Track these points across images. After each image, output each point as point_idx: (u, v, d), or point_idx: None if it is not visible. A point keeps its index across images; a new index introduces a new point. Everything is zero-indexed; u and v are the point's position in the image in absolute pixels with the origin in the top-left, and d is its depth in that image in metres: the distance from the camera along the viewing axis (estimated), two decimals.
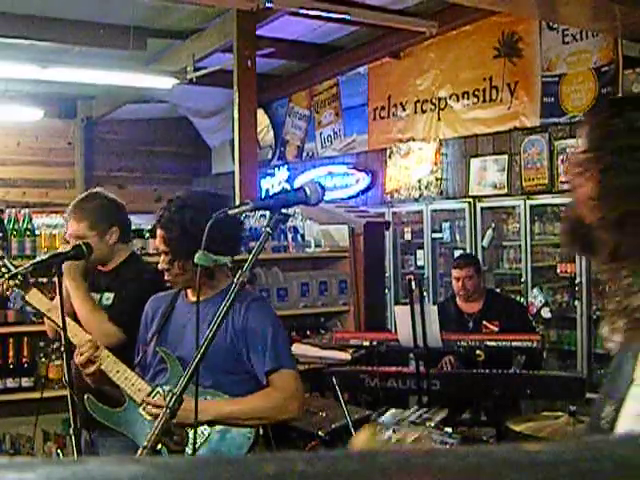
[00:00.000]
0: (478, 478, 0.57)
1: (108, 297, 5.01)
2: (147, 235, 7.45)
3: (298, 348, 4.51)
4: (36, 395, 6.18)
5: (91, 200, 5.15)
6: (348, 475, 0.58)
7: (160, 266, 4.23)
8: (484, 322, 7.34)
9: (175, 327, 4.28)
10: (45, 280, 5.42)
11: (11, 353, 6.58)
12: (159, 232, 4.19)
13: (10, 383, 6.65)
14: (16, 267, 4.75)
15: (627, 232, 2.04)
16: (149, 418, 4.01)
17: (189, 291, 4.32)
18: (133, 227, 7.47)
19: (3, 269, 4.76)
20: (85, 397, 4.24)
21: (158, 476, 0.58)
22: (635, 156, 2.10)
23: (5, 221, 6.78)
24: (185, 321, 4.19)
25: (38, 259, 4.72)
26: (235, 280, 3.34)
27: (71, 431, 4.15)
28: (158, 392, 4.09)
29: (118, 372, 4.18)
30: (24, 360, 6.62)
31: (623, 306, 2.02)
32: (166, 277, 4.26)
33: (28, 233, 6.78)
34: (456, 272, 7.71)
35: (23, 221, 6.82)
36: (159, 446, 3.66)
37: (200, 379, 3.63)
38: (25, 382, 6.68)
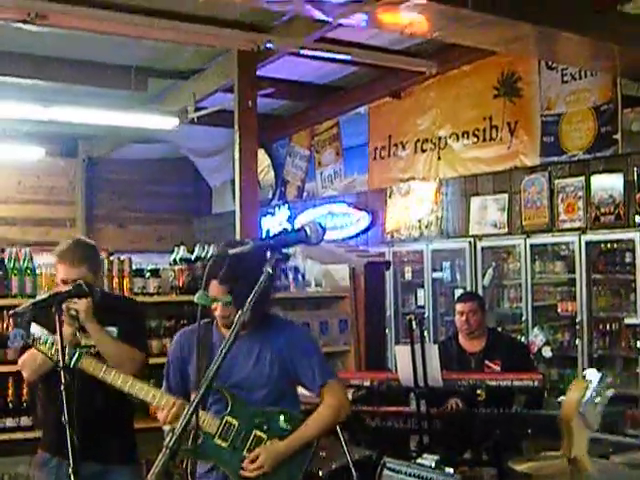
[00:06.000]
0: None
1: (112, 330, 5.09)
2: (148, 275, 7.47)
3: (299, 388, 4.54)
4: (35, 434, 6.15)
5: (83, 246, 5.28)
6: None
7: (219, 314, 4.39)
8: (486, 362, 7.31)
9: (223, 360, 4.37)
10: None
11: (10, 392, 6.56)
12: (220, 287, 4.26)
13: (9, 422, 6.64)
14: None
15: None
16: (224, 445, 4.31)
17: (223, 328, 4.49)
18: (134, 267, 7.54)
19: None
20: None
21: None
22: None
23: (6, 260, 6.80)
24: (232, 353, 4.27)
25: (39, 298, 4.73)
26: (236, 319, 3.36)
27: (70, 470, 4.15)
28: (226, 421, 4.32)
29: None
30: (23, 399, 6.60)
31: None
32: (221, 322, 4.46)
33: (28, 272, 6.80)
34: (460, 306, 7.66)
35: (23, 260, 6.84)
36: None
37: (249, 397, 4.34)
38: (24, 421, 6.66)
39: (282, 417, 4.36)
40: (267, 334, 4.31)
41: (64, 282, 4.98)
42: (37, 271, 6.86)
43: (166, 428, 4.20)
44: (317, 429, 4.41)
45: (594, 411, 3.91)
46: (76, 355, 4.62)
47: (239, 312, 3.38)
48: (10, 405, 6.63)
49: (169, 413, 4.31)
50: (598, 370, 9.43)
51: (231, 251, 3.70)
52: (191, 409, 3.38)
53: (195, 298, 3.56)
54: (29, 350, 4.96)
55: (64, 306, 4.72)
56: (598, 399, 3.93)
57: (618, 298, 10.29)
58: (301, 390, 4.68)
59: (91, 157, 16.39)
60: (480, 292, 11.22)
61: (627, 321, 9.93)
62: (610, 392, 4.05)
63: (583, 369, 10.22)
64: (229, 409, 4.29)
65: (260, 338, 4.24)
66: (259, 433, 4.29)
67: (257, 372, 4.31)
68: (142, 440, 5.41)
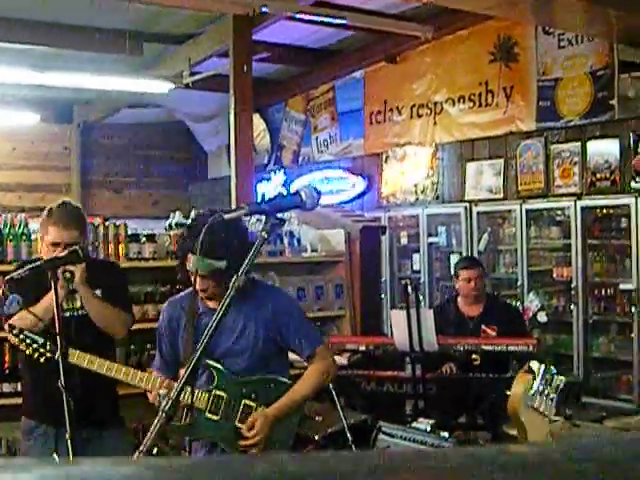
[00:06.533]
0: (463, 478, 0.57)
1: (97, 293, 5.14)
2: (143, 240, 7.46)
3: (294, 353, 4.57)
4: (17, 400, 6.17)
5: (75, 209, 5.29)
6: (337, 475, 0.59)
7: (199, 287, 4.36)
8: (483, 326, 7.33)
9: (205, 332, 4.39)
10: None
11: (7, 358, 6.58)
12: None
13: (6, 388, 6.67)
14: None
15: None
16: (215, 418, 4.36)
17: (208, 301, 4.51)
18: (130, 232, 7.53)
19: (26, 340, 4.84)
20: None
21: (150, 477, 0.59)
22: None
23: (1, 226, 6.80)
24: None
25: (35, 263, 4.74)
26: (231, 284, 3.37)
27: (67, 435, 4.17)
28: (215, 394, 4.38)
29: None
30: (5, 367, 6.62)
31: None
32: (202, 295, 4.45)
33: (24, 238, 6.80)
34: (467, 273, 7.64)
35: (19, 226, 6.83)
36: (154, 450, 3.68)
37: (235, 365, 4.34)
38: (6, 387, 6.68)
39: (269, 384, 4.41)
40: (252, 302, 4.30)
41: (54, 245, 4.98)
42: (32, 237, 6.86)
43: (162, 392, 4.21)
44: (305, 393, 4.47)
45: (546, 401, 3.94)
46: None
47: (234, 278, 3.39)
48: (7, 371, 6.66)
49: (157, 392, 4.31)
50: (593, 333, 9.49)
51: (226, 216, 3.70)
52: (182, 382, 3.44)
53: (191, 264, 3.56)
54: (19, 313, 4.97)
55: (60, 269, 4.76)
56: (548, 389, 3.96)
57: (613, 264, 10.31)
58: (292, 355, 4.72)
59: (86, 122, 16.35)
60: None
61: (622, 286, 9.95)
62: (560, 381, 4.07)
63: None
64: (216, 382, 4.34)
65: (245, 307, 4.23)
66: (248, 402, 4.34)
67: (243, 341, 4.34)
68: (123, 406, 5.49)
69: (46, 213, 5.17)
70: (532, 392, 3.81)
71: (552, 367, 4.18)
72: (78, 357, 4.63)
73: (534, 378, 3.90)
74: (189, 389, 4.35)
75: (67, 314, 5.11)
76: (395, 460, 0.62)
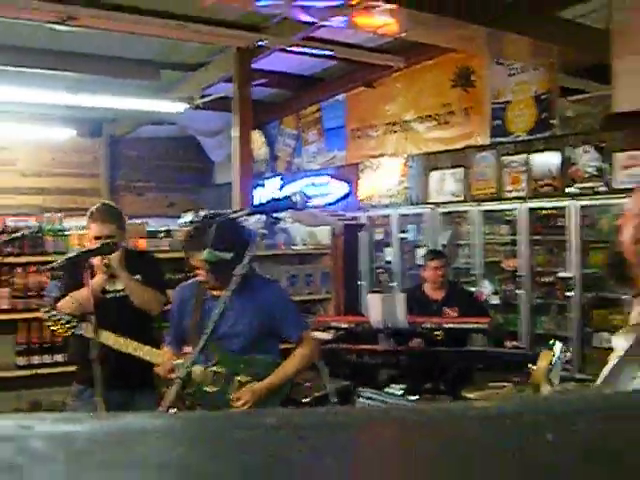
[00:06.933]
0: (434, 428, 0.58)
1: (137, 277, 5.20)
2: (161, 235, 7.47)
3: (284, 337, 4.61)
4: (66, 369, 6.18)
5: (112, 208, 5.40)
6: (332, 425, 0.60)
7: (202, 279, 4.43)
8: (445, 308, 7.34)
9: (211, 318, 4.39)
10: None
11: (46, 334, 6.58)
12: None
13: (46, 359, 6.68)
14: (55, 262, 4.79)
15: None
16: (213, 390, 4.34)
17: (211, 290, 4.49)
18: (149, 229, 7.53)
19: (54, 317, 4.88)
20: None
21: (182, 426, 0.60)
22: None
23: (43, 224, 6.82)
24: (218, 309, 4.31)
25: (71, 254, 4.75)
26: (236, 272, 3.39)
27: (95, 398, 4.21)
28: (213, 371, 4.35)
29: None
30: (58, 339, 6.62)
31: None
32: (206, 286, 4.48)
33: (61, 233, 6.82)
34: (435, 262, 7.66)
35: (57, 223, 6.84)
36: (173, 410, 3.70)
37: (231, 346, 4.31)
38: (57, 358, 6.70)
39: (261, 363, 4.40)
40: (249, 291, 4.26)
41: (96, 238, 5.04)
42: (67, 233, 6.89)
43: (178, 362, 4.23)
44: (290, 372, 4.45)
45: (557, 373, 3.98)
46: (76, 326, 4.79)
47: (239, 266, 3.40)
48: (46, 345, 6.68)
49: (166, 366, 4.39)
50: (537, 314, 9.49)
51: (232, 216, 3.72)
52: (196, 354, 3.47)
53: (203, 255, 3.57)
54: (64, 299, 5.00)
55: (98, 258, 4.85)
56: (560, 365, 4.01)
57: (553, 256, 10.33)
58: None
59: (113, 137, 16.36)
60: None
61: (560, 274, 9.98)
62: (566, 356, 4.12)
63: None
64: (216, 360, 4.32)
65: (243, 295, 4.13)
66: (242, 377, 4.33)
67: (240, 325, 4.32)
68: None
69: (89, 213, 5.25)
70: (552, 367, 3.84)
71: (565, 347, 4.23)
72: (106, 337, 4.67)
73: (553, 355, 3.93)
74: (196, 367, 4.39)
75: (109, 295, 5.15)
76: (375, 413, 0.63)
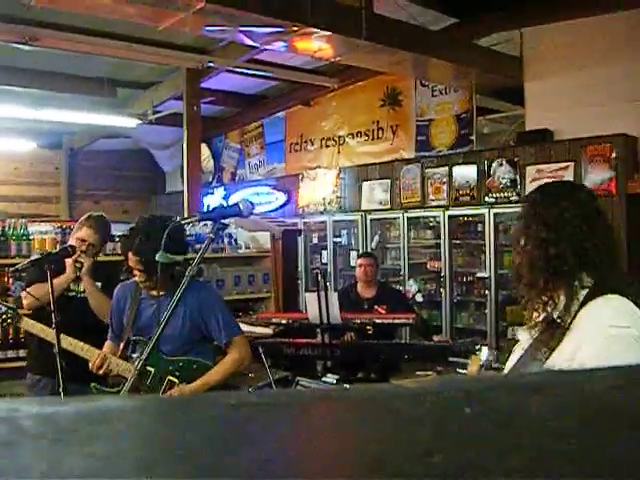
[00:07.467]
0: (372, 404, 0.63)
1: (98, 285, 5.17)
2: (117, 239, 7.42)
3: (215, 340, 4.55)
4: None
5: (105, 221, 5.41)
6: (285, 403, 0.64)
7: (138, 279, 4.28)
8: (375, 306, 7.39)
9: (145, 317, 4.33)
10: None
11: (11, 331, 6.51)
12: (134, 257, 4.18)
13: (10, 354, 6.60)
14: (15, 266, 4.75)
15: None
16: (143, 388, 4.14)
17: (149, 289, 4.38)
18: None
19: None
20: (92, 385, 4.33)
21: (151, 406, 0.64)
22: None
23: (6, 229, 6.74)
24: (152, 310, 4.24)
25: (33, 258, 4.70)
26: (186, 273, 3.39)
27: (60, 389, 4.17)
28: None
29: (118, 366, 4.31)
30: (21, 336, 6.54)
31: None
32: (142, 286, 4.34)
33: (24, 238, 6.74)
34: (361, 261, 7.73)
35: (20, 228, 6.77)
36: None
37: (162, 347, 4.06)
38: (22, 353, 6.62)
39: (192, 365, 4.25)
40: (183, 294, 3.88)
41: (82, 240, 5.04)
42: (30, 237, 6.82)
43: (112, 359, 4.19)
44: (220, 376, 4.24)
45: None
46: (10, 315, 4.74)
47: (189, 268, 3.40)
48: (11, 341, 6.60)
49: (94, 363, 4.30)
50: (457, 310, 9.59)
51: (183, 222, 3.72)
52: (148, 351, 3.44)
53: (157, 257, 3.55)
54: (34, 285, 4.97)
55: (72, 258, 4.84)
56: (488, 366, 4.07)
57: (472, 258, 10.46)
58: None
59: (72, 149, 16.18)
60: None
61: (478, 275, 10.11)
62: (493, 359, 4.18)
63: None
64: (147, 359, 4.13)
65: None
66: (172, 378, 4.22)
67: (171, 327, 4.02)
68: None
69: (86, 217, 5.26)
70: (481, 369, 3.88)
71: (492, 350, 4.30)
72: (40, 329, 4.64)
73: (481, 359, 3.99)
74: (125, 363, 4.33)
75: (71, 294, 5.13)
76: (325, 393, 0.68)
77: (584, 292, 2.35)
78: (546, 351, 2.37)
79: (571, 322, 2.33)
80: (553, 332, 2.38)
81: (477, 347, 4.28)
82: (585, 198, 2.51)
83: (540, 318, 2.46)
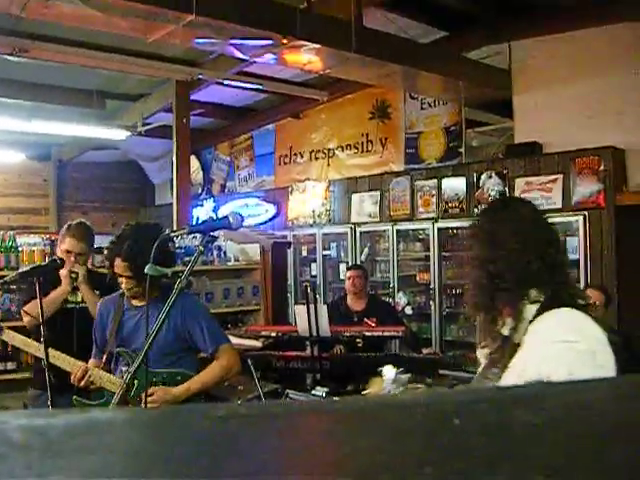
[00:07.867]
0: (362, 416, 0.63)
1: (96, 293, 5.12)
2: (105, 251, 7.39)
3: (201, 351, 4.51)
4: (18, 376, 6.10)
5: (88, 228, 5.36)
6: (274, 415, 0.64)
7: (125, 286, 4.23)
8: (365, 319, 7.39)
9: (128, 328, 4.30)
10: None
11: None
12: (122, 263, 4.15)
13: (10, 366, 6.58)
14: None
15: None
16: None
17: (133, 299, 4.35)
18: (95, 246, 7.47)
19: None
20: (73, 398, 4.26)
21: (141, 418, 0.64)
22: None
23: None
24: (136, 321, 4.22)
25: (22, 270, 4.69)
26: (176, 285, 3.37)
27: (48, 402, 4.15)
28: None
29: (101, 378, 4.23)
30: (9, 349, 6.51)
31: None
32: (127, 294, 4.29)
33: (13, 250, 6.70)
34: (350, 273, 7.76)
35: (9, 240, 6.73)
36: None
37: (150, 362, 3.84)
38: (10, 366, 6.58)
39: (177, 376, 4.19)
40: (164, 306, 3.77)
41: (68, 252, 5.01)
42: (20, 249, 6.78)
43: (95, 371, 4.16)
44: (206, 383, 4.19)
45: (401, 386, 4.01)
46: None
47: (178, 280, 3.39)
48: (10, 353, 6.57)
49: (76, 375, 4.24)
50: (447, 322, 9.56)
51: (172, 234, 3.70)
52: (138, 363, 3.42)
53: (146, 270, 3.52)
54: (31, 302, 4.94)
55: (67, 270, 4.81)
56: (394, 386, 4.02)
57: (461, 270, 10.47)
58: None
59: (61, 160, 16.15)
60: None
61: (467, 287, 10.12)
62: (405, 377, 4.14)
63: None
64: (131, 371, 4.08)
65: (158, 309, 3.64)
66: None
67: (155, 339, 3.85)
68: None
69: (66, 227, 5.21)
70: (385, 391, 3.85)
71: (397, 368, 4.26)
72: (22, 341, 4.62)
73: (383, 380, 3.96)
74: (107, 375, 4.29)
75: (70, 306, 5.10)
76: (312, 405, 0.68)
77: (534, 307, 2.34)
78: (498, 369, 2.37)
79: (522, 338, 2.32)
80: (504, 350, 2.38)
81: (379, 370, 4.24)
82: (523, 212, 2.49)
83: (491, 337, 2.46)
